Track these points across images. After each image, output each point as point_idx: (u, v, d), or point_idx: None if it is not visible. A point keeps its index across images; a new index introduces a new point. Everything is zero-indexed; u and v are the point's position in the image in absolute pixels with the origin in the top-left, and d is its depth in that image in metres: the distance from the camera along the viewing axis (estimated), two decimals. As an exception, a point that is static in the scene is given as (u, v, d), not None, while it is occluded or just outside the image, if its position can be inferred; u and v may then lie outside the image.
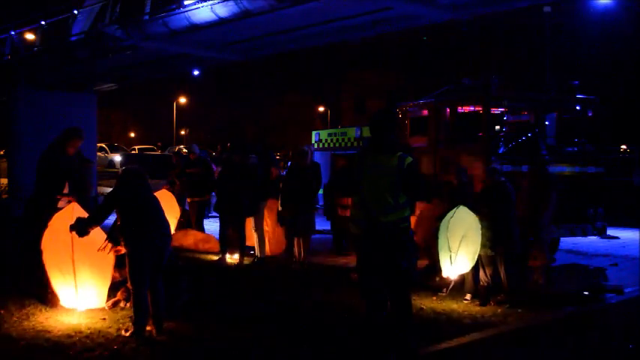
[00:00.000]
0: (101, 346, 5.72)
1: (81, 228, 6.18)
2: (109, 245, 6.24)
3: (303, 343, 5.97)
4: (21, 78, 20.60)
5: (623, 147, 31.74)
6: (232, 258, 10.21)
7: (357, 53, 41.25)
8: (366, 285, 5.59)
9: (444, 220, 7.63)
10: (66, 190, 7.70)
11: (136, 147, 44.64)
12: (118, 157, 34.02)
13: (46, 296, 6.90)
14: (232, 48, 17.32)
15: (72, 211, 6.60)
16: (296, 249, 10.04)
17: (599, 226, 10.40)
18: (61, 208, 7.15)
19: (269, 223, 10.70)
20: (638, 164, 22.63)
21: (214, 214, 11.76)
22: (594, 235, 10.58)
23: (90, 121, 21.27)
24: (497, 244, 7.56)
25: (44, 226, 6.71)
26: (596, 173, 10.59)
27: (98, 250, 6.28)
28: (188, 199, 12.05)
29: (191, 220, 11.96)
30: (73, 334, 6.02)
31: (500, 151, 10.02)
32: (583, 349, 6.16)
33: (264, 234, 10.52)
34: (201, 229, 11.93)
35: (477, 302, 7.59)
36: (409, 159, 5.47)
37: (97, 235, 6.44)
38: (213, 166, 12.42)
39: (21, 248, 8.03)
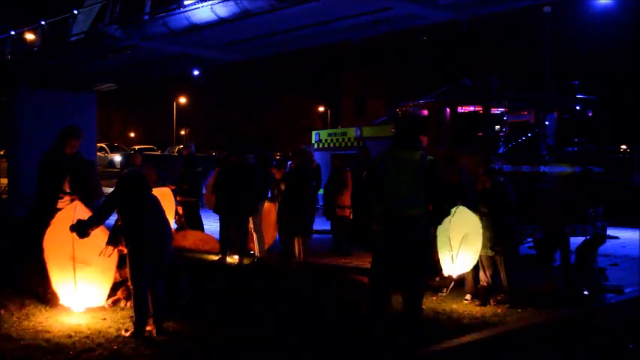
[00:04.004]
0: (101, 346, 5.72)
1: (81, 229, 6.19)
2: (110, 248, 6.25)
3: (303, 342, 5.98)
4: (21, 78, 20.62)
5: (623, 147, 31.73)
6: (232, 258, 10.21)
7: (357, 53, 41.23)
8: (378, 282, 5.64)
9: (444, 220, 7.63)
10: (67, 190, 7.70)
11: (136, 147, 44.65)
12: (118, 157, 34.05)
13: (46, 296, 6.90)
14: (232, 48, 17.34)
15: (74, 211, 6.62)
16: (296, 249, 10.05)
17: (599, 226, 10.40)
18: (62, 208, 7.15)
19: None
20: (638, 164, 22.62)
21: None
22: (594, 235, 10.57)
23: (90, 121, 21.29)
24: (497, 244, 7.56)
25: (46, 224, 6.72)
26: (596, 173, 10.58)
27: (100, 255, 6.29)
28: (177, 197, 11.98)
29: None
30: (73, 334, 6.02)
31: (500, 151, 10.02)
32: (583, 349, 6.16)
33: (263, 234, 10.53)
34: (200, 229, 11.91)
35: (477, 302, 7.60)
36: (431, 157, 5.64)
37: (100, 234, 6.44)
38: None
39: (24, 249, 8.02)
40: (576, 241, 11.29)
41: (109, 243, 6.25)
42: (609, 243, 12.47)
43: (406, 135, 5.74)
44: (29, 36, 20.89)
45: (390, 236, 5.53)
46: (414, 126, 5.90)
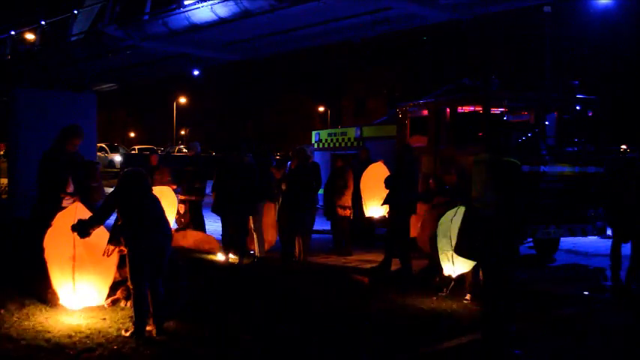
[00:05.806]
0: (101, 346, 5.72)
1: (82, 229, 6.19)
2: (111, 247, 6.25)
3: (303, 342, 5.97)
4: (21, 78, 20.59)
5: (623, 147, 31.74)
6: (232, 258, 10.21)
7: (357, 53, 41.24)
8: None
9: (444, 220, 7.63)
10: (70, 189, 7.71)
11: (136, 147, 44.70)
12: (118, 157, 34.09)
13: (46, 296, 6.90)
14: (232, 48, 17.30)
15: (75, 211, 6.62)
16: (296, 249, 10.05)
17: (599, 225, 10.40)
18: (65, 208, 7.16)
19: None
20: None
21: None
22: (594, 235, 10.59)
23: (90, 121, 21.24)
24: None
25: (47, 224, 6.72)
26: (596, 173, 10.58)
27: (103, 255, 6.29)
28: (182, 197, 11.99)
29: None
30: (73, 334, 6.03)
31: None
32: (583, 349, 6.16)
33: (263, 234, 10.53)
34: (202, 229, 11.92)
35: (477, 302, 7.58)
36: (506, 159, 5.76)
37: (101, 233, 6.44)
38: None
39: (24, 249, 8.03)
40: (576, 240, 11.36)
41: (110, 242, 6.25)
42: (609, 243, 12.46)
43: (497, 142, 5.96)
44: (29, 36, 20.87)
45: (477, 232, 5.76)
46: (495, 130, 6.11)
